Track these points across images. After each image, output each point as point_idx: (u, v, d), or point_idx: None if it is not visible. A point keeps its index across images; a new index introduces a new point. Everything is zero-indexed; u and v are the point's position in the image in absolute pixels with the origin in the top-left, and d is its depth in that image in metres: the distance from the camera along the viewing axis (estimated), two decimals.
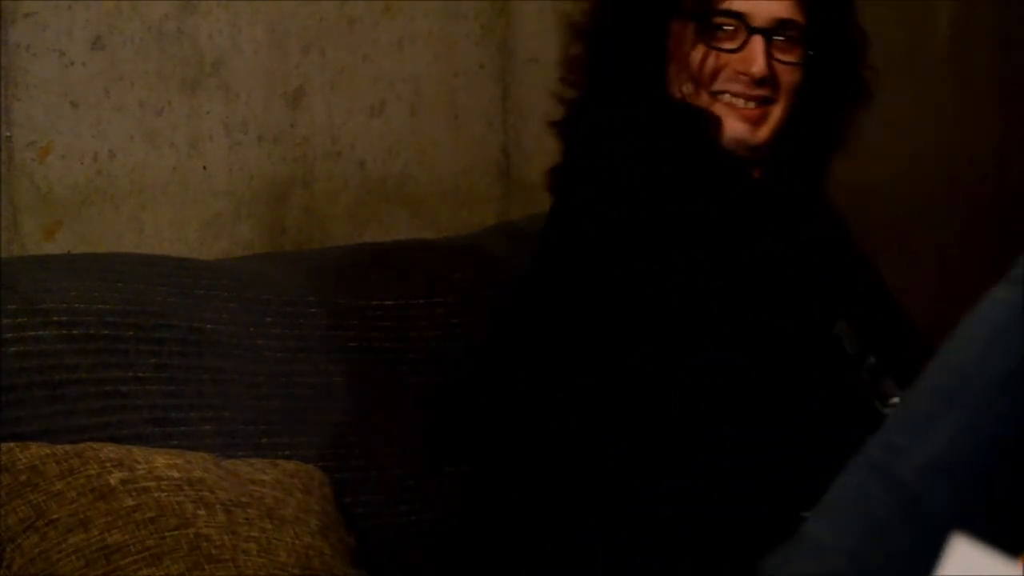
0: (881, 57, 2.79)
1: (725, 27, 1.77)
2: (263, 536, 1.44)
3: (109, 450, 1.44)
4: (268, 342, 1.72)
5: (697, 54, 1.78)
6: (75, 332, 1.54)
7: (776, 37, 1.77)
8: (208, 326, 1.67)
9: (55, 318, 1.54)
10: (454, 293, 1.89)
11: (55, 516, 1.38)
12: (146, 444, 1.51)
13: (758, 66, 1.76)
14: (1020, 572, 0.77)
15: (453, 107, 2.18)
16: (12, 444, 1.41)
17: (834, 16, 1.82)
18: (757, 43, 1.77)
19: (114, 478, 1.41)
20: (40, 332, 1.52)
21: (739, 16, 1.77)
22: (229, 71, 1.96)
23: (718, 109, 1.79)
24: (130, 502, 1.40)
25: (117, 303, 1.59)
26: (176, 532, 1.39)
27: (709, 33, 1.78)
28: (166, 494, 1.41)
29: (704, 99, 1.79)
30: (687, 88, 1.80)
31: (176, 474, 1.44)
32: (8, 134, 1.75)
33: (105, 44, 1.83)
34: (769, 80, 1.78)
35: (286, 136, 2.00)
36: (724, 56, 1.78)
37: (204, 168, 1.94)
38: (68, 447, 1.42)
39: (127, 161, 1.86)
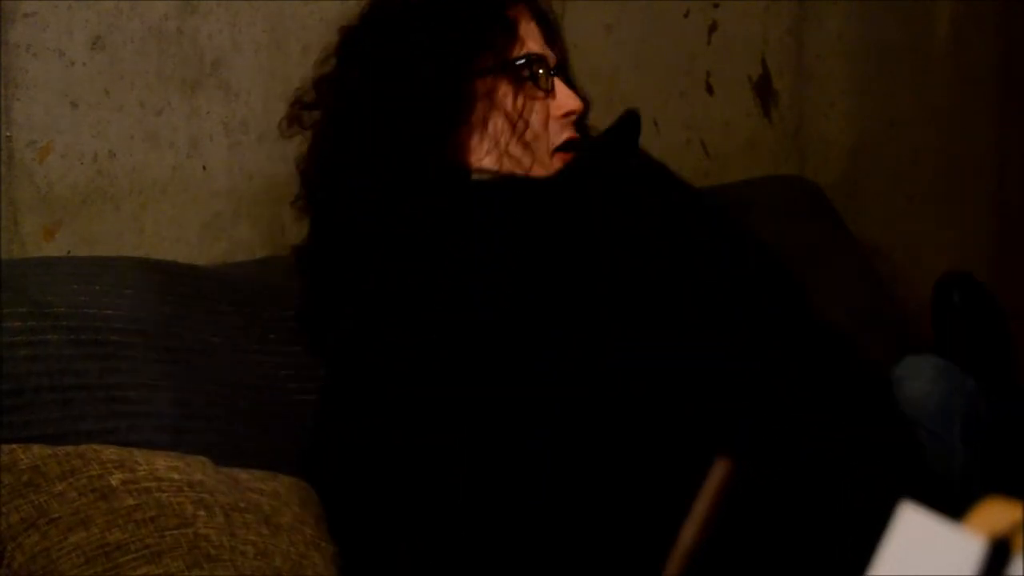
0: (882, 57, 2.80)
1: (536, 74, 1.65)
2: (260, 540, 1.44)
3: (110, 452, 1.44)
4: (270, 358, 1.71)
5: (528, 109, 1.61)
6: (83, 337, 1.54)
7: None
8: (215, 338, 1.66)
9: (64, 323, 1.53)
10: None
11: (56, 515, 1.37)
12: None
13: (578, 102, 1.66)
14: (967, 537, 0.76)
15: None
16: (14, 445, 1.41)
17: None
18: (561, 82, 1.67)
19: (115, 479, 1.40)
20: (49, 336, 1.51)
21: (542, 60, 1.65)
22: (229, 71, 1.95)
23: (557, 164, 1.64)
24: (131, 501, 1.39)
25: (126, 309, 1.59)
26: (176, 531, 1.39)
27: (522, 84, 1.63)
28: (167, 494, 1.41)
29: (542, 159, 1.63)
30: (514, 151, 1.61)
31: (176, 476, 1.44)
32: (8, 134, 1.75)
33: (105, 44, 1.82)
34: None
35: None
36: (543, 104, 1.64)
37: (204, 168, 1.93)
38: (70, 448, 1.42)
39: (127, 161, 1.86)
